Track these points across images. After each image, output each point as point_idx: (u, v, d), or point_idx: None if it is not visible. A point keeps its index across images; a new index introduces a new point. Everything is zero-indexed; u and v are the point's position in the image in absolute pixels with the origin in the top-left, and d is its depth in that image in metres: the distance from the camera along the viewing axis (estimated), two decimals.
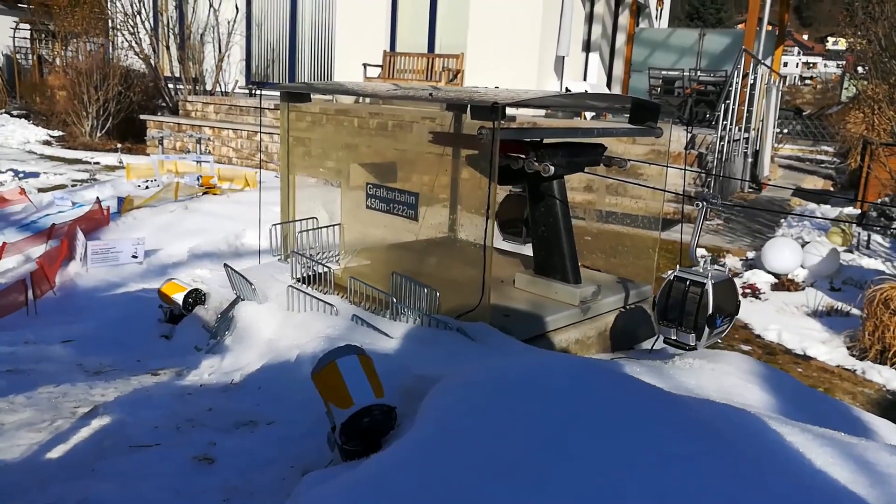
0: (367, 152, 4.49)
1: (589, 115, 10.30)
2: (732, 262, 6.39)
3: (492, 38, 11.27)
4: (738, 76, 9.13)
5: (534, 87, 10.96)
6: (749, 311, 5.14)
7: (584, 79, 13.07)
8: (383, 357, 2.84)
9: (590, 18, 13.02)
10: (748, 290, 5.51)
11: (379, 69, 11.98)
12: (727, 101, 8.84)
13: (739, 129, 9.88)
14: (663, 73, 11.40)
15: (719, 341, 3.20)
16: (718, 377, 2.86)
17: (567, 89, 11.19)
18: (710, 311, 2.91)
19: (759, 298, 5.40)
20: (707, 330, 2.96)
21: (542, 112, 10.29)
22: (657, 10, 16.07)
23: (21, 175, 10.08)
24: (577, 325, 3.79)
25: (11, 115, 16.28)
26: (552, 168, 3.56)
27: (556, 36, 11.23)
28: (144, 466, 2.34)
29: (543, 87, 11.27)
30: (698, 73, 11.14)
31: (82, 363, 3.82)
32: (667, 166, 4.26)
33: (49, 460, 2.46)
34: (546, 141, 3.89)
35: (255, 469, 2.31)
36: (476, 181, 3.48)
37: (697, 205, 3.18)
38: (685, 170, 5.82)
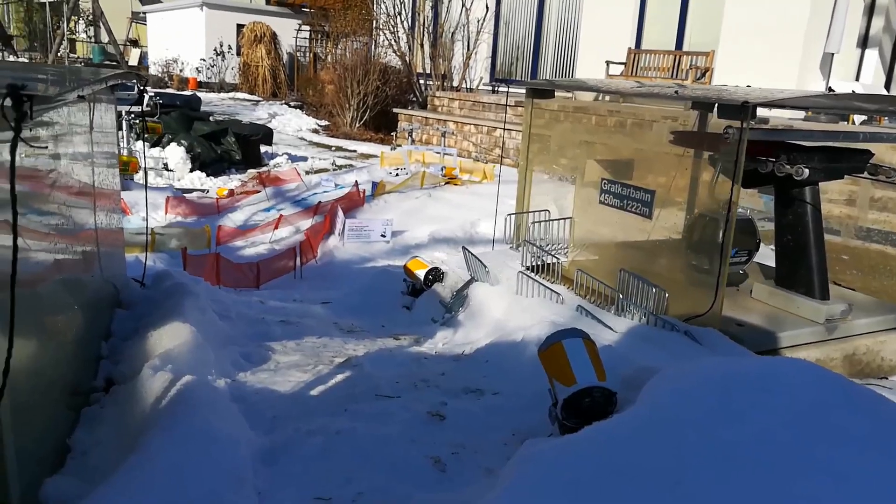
0: (602, 149, 4.53)
1: (858, 119, 9.23)
2: None
3: (749, 34, 10.53)
4: None
5: (793, 87, 10.06)
6: None
7: (857, 79, 11.66)
8: (606, 348, 2.92)
9: (870, 9, 11.57)
10: None
11: (621, 66, 11.81)
12: None
13: None
14: None
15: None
16: None
17: (830, 89, 10.12)
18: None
19: None
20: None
21: (801, 115, 9.43)
22: None
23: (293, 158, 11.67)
24: (819, 344, 3.51)
25: (289, 106, 18.73)
26: (806, 171, 3.33)
27: (825, 30, 10.18)
28: (387, 414, 2.68)
29: (804, 87, 10.29)
30: None
31: (337, 322, 4.40)
32: None
33: (311, 396, 2.92)
34: (801, 143, 3.63)
35: (480, 431, 2.53)
36: (719, 183, 3.37)
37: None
38: None
